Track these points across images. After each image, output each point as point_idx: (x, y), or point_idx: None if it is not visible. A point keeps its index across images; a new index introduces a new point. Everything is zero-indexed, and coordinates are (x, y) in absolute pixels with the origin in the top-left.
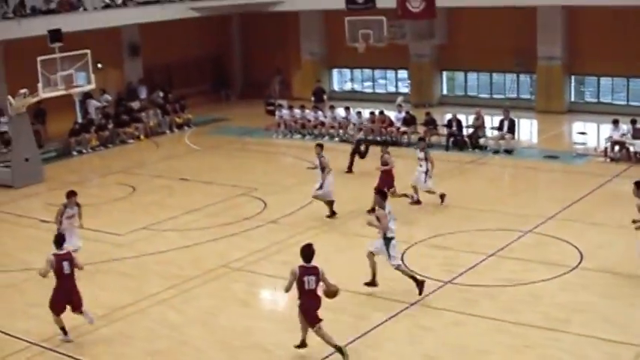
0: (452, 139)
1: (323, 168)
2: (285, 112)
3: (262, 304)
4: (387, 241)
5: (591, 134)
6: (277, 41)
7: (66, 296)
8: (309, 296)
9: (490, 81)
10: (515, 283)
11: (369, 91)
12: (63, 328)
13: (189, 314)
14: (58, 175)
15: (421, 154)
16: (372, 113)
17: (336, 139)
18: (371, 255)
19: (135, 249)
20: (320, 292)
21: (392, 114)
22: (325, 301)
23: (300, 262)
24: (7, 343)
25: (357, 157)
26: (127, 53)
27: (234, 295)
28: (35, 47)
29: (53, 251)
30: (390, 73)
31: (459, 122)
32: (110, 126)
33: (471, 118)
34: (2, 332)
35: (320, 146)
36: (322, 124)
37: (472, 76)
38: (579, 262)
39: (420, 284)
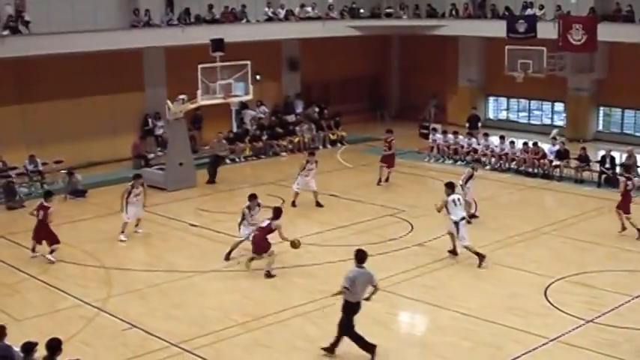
0: (604, 176)
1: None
2: (438, 136)
3: (401, 326)
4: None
5: None
6: (435, 65)
7: (39, 234)
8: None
9: None
10: None
11: (524, 121)
12: (33, 249)
13: (329, 330)
14: (209, 182)
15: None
16: (525, 144)
17: (488, 167)
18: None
19: (280, 261)
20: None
21: (545, 146)
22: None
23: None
24: (146, 342)
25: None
26: (286, 67)
27: (374, 315)
28: (196, 55)
29: (42, 201)
30: (547, 105)
31: (612, 159)
32: (264, 137)
33: (625, 157)
34: (143, 330)
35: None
36: (475, 151)
37: (629, 114)
38: None
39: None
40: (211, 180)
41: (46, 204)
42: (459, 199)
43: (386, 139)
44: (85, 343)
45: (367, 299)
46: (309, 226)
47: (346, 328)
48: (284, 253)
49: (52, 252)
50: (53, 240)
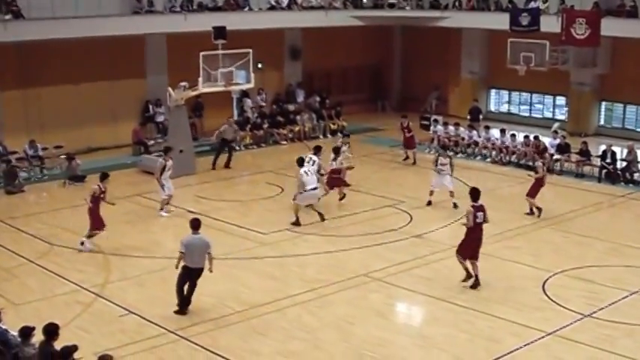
0: (605, 171)
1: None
2: (439, 128)
3: (398, 317)
4: None
5: None
6: (438, 57)
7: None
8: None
9: None
10: None
11: (526, 114)
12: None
13: (325, 319)
14: (210, 169)
15: (445, 160)
16: (526, 137)
17: (489, 159)
18: None
19: (277, 249)
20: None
21: (546, 140)
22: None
23: None
24: (144, 328)
25: None
26: (288, 56)
27: (372, 306)
28: (198, 42)
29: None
30: (548, 99)
31: (613, 154)
32: (265, 126)
33: (625, 152)
34: (141, 317)
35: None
36: (476, 143)
37: (631, 109)
38: None
39: None
40: (213, 166)
41: (97, 184)
42: (309, 170)
43: (401, 124)
44: (82, 328)
45: (210, 271)
46: (309, 215)
47: (177, 283)
48: (281, 242)
49: (90, 237)
50: (94, 226)
